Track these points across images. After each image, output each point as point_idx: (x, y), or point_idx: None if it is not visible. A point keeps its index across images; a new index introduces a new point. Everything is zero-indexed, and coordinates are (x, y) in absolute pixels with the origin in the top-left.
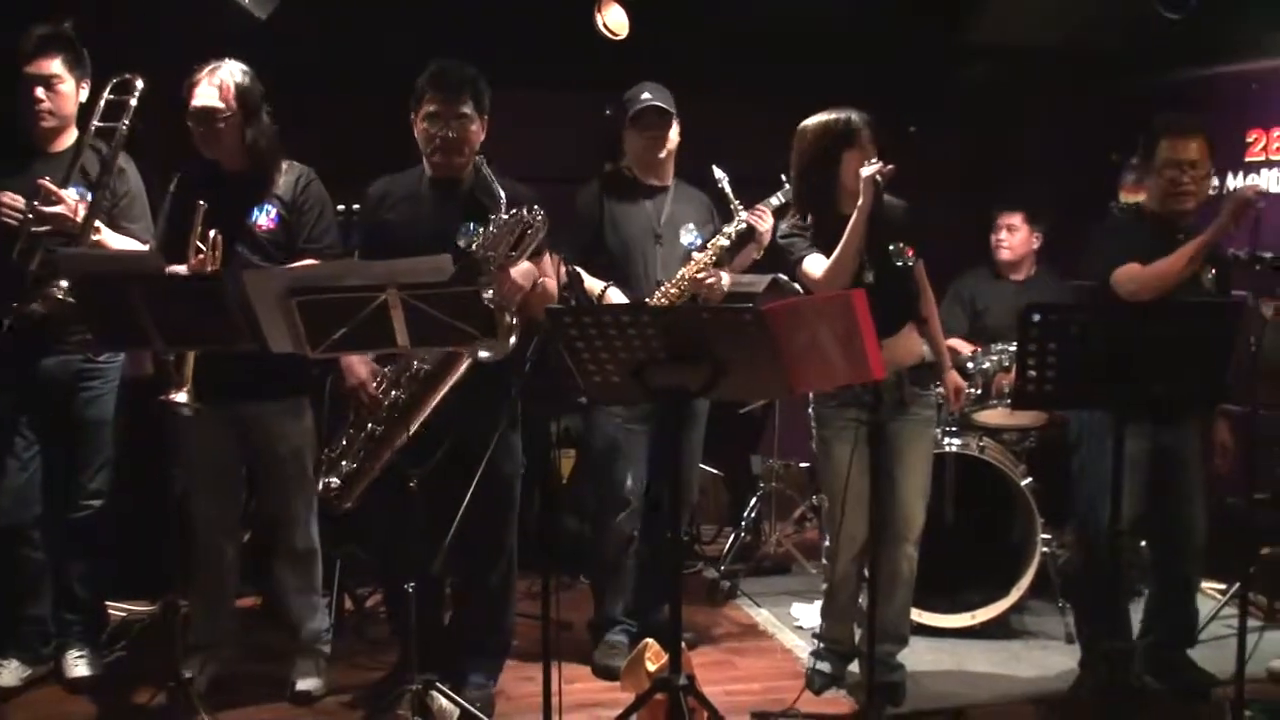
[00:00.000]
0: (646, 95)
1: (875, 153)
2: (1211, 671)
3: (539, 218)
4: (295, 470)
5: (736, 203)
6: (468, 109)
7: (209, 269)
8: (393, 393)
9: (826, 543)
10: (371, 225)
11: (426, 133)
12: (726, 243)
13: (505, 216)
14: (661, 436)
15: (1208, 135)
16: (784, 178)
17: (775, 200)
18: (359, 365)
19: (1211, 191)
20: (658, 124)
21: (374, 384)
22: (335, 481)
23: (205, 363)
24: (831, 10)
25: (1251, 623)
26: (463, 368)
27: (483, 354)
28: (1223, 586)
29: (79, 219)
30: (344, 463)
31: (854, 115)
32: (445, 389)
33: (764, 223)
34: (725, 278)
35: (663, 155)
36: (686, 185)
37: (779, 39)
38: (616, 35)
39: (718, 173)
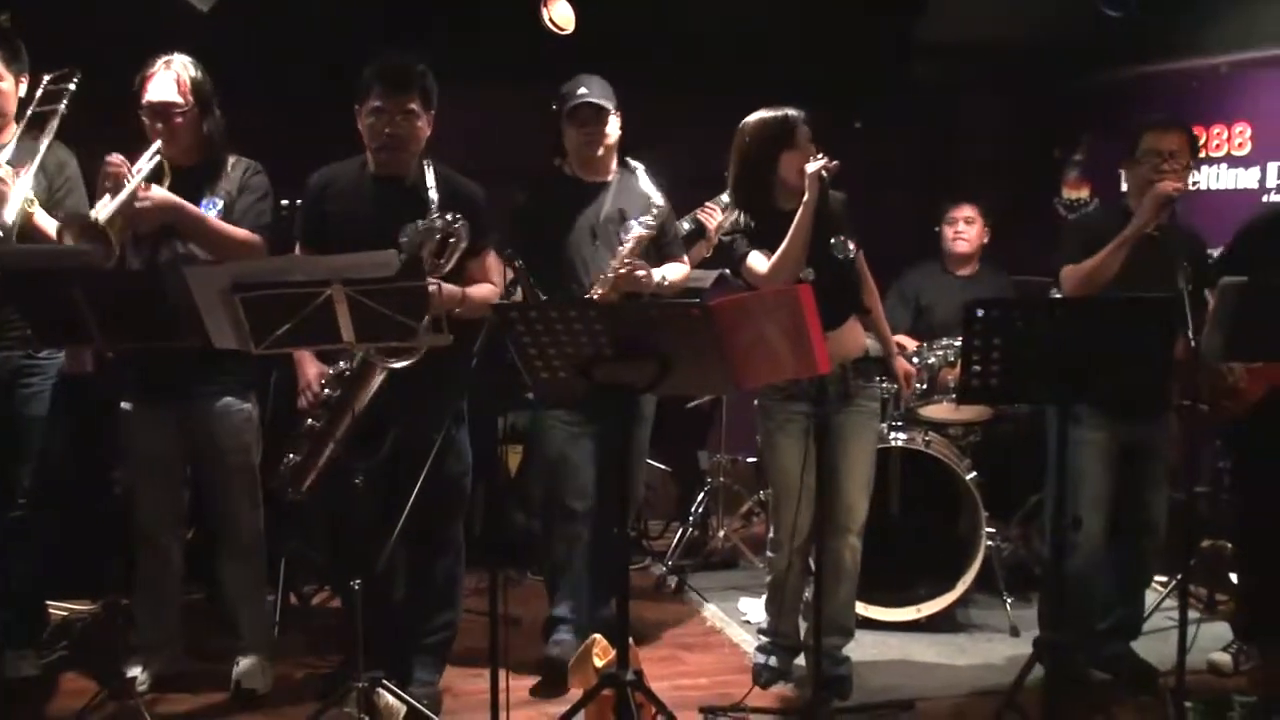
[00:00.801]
0: (582, 90)
1: (814, 149)
2: (1153, 663)
3: (458, 225)
4: (239, 466)
5: (657, 197)
6: (414, 105)
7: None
8: (325, 391)
9: (771, 535)
10: (313, 215)
11: (372, 128)
12: (644, 232)
13: (424, 223)
14: (607, 437)
15: (1190, 131)
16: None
17: (725, 198)
18: (308, 365)
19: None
20: (594, 120)
21: (319, 384)
22: (282, 473)
23: (147, 359)
24: (780, 7)
25: (1191, 614)
26: (379, 376)
27: (393, 364)
28: (1164, 579)
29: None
30: (290, 455)
31: (791, 113)
32: (368, 390)
33: (713, 219)
34: (658, 272)
35: (600, 152)
36: (631, 178)
37: (728, 34)
38: (563, 30)
39: (632, 164)
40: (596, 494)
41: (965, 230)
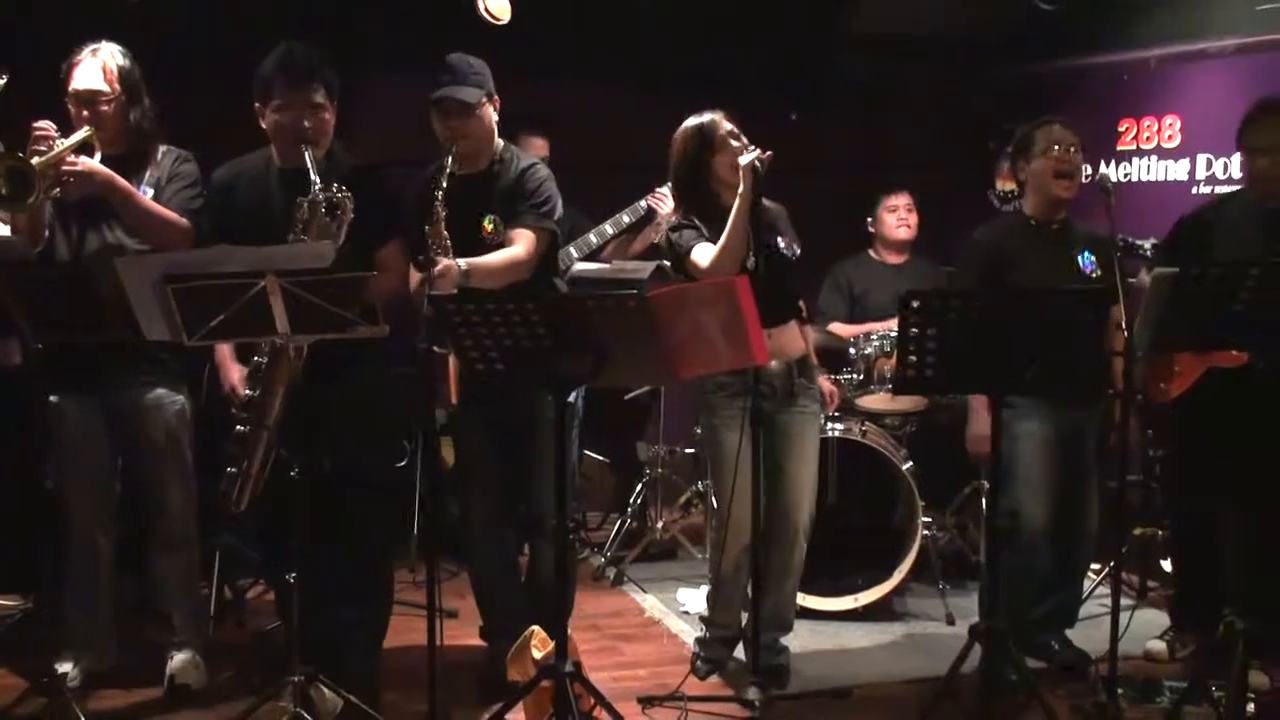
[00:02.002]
0: (446, 80)
1: (744, 143)
2: (1086, 650)
3: (340, 196)
4: (171, 459)
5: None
6: (320, 98)
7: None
8: (245, 392)
9: (712, 532)
10: (220, 211)
11: (279, 125)
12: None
13: (308, 198)
14: (511, 444)
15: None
16: None
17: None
18: (231, 369)
19: (1085, 179)
20: (457, 112)
21: (243, 386)
22: (225, 488)
23: (75, 351)
24: None
25: (1124, 602)
26: (288, 361)
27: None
28: (1097, 567)
29: None
30: (229, 468)
31: (707, 120)
32: (285, 382)
33: (664, 205)
34: (461, 263)
35: (468, 147)
36: (516, 166)
37: (665, 25)
38: (499, 20)
39: (514, 149)
40: (501, 503)
41: (907, 218)
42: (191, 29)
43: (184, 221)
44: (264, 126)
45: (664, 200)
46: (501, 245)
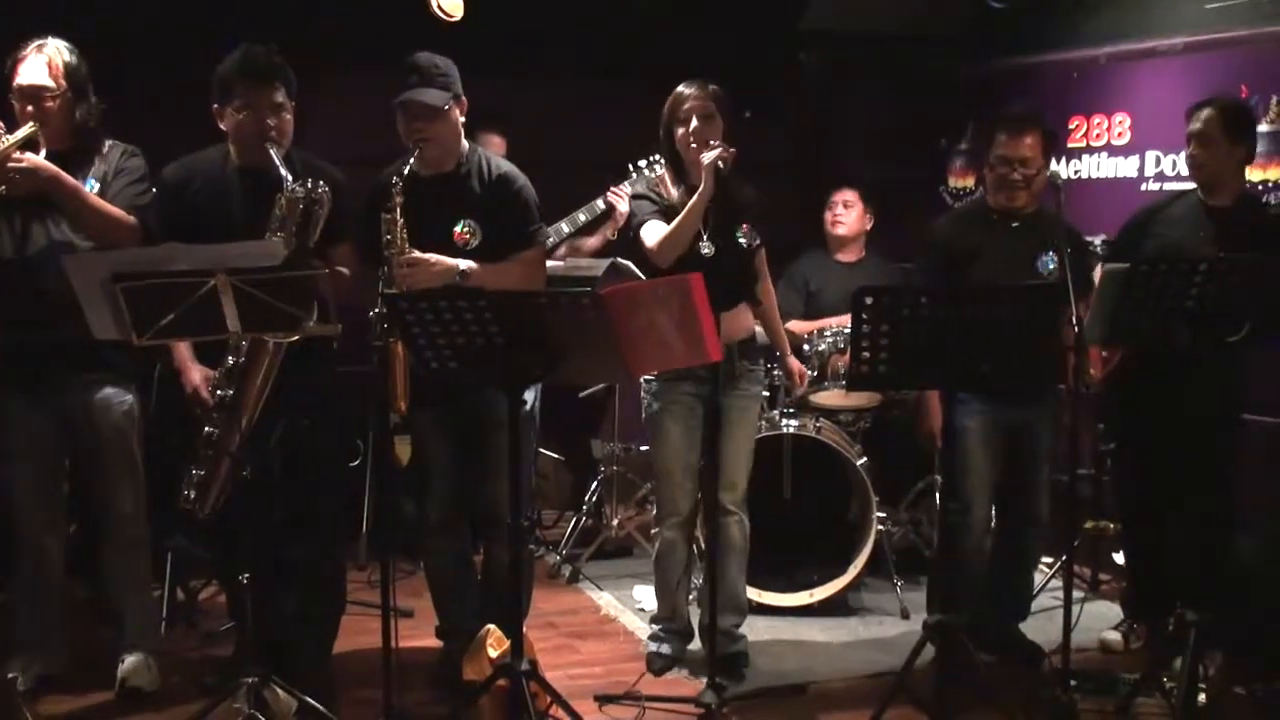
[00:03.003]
0: (413, 82)
1: (717, 130)
2: (1039, 643)
3: (321, 191)
4: (120, 458)
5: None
6: (281, 97)
7: None
8: (218, 392)
9: (654, 513)
10: (174, 211)
11: (241, 126)
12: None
13: (288, 193)
14: (465, 444)
15: (1044, 129)
16: (631, 167)
17: (627, 187)
18: (193, 371)
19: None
20: (423, 115)
21: (207, 388)
22: (190, 493)
23: (23, 351)
24: None
25: (1076, 594)
26: (269, 355)
27: (286, 337)
28: (1049, 560)
29: None
30: (193, 470)
31: (681, 90)
32: (264, 379)
33: (622, 202)
34: (461, 264)
35: (433, 148)
36: (489, 172)
37: (615, 24)
38: (451, 17)
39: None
40: (456, 503)
41: (844, 214)
42: (140, 26)
43: (131, 219)
44: (223, 127)
45: (622, 197)
46: (473, 250)
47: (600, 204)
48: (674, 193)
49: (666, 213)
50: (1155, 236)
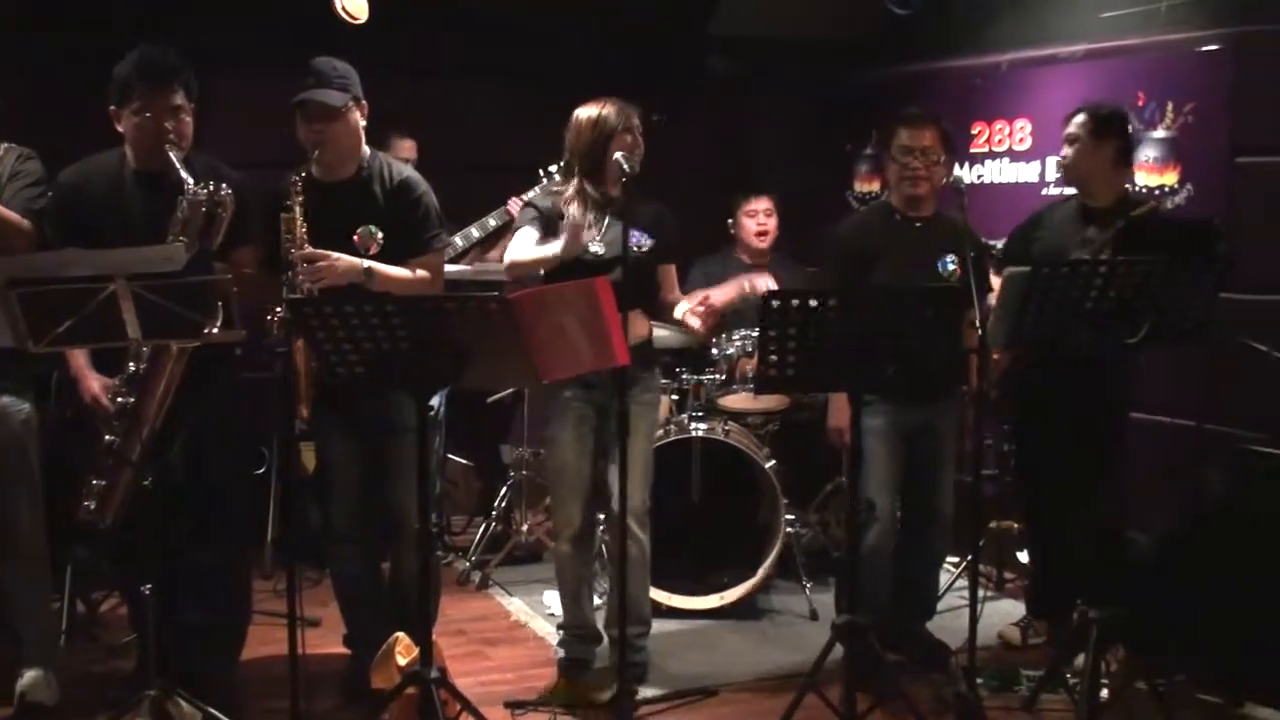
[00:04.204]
0: (310, 82)
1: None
2: (946, 641)
3: (225, 194)
4: (18, 469)
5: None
6: (180, 99)
7: None
8: (119, 399)
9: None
10: (69, 216)
11: (139, 129)
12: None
13: (191, 196)
14: (383, 444)
15: (943, 126)
16: (541, 172)
17: (531, 193)
18: (90, 379)
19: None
20: (321, 116)
21: (106, 396)
22: (91, 504)
23: None
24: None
25: (982, 593)
26: (173, 362)
27: (189, 341)
28: (955, 560)
29: None
30: (94, 480)
31: (613, 110)
32: (167, 386)
33: None
34: (363, 262)
35: (334, 152)
36: (390, 178)
37: (523, 26)
38: (356, 20)
39: (384, 158)
40: (362, 510)
41: (766, 223)
42: (32, 25)
43: (25, 223)
44: (120, 129)
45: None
46: (373, 257)
47: (491, 221)
48: (574, 207)
49: (548, 223)
50: (1038, 240)
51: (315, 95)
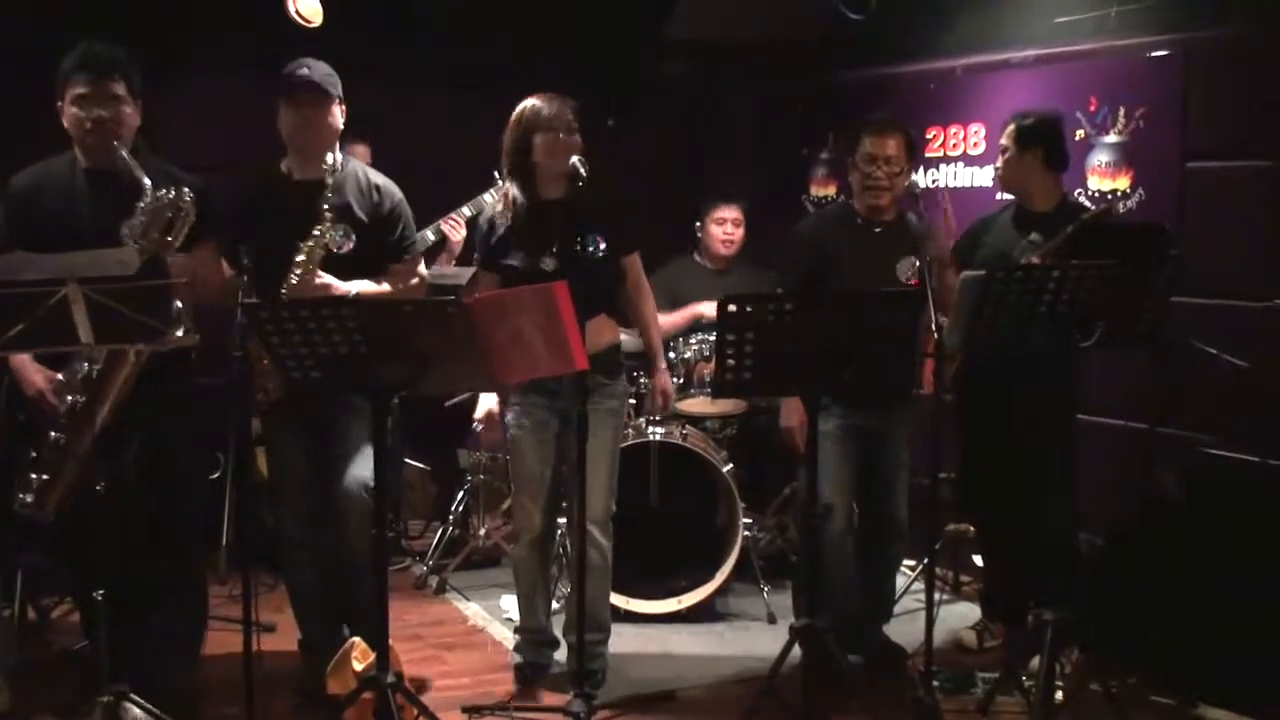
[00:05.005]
0: (304, 71)
1: (576, 145)
2: (902, 644)
3: (186, 199)
4: None
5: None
6: (120, 90)
7: None
8: (69, 398)
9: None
10: (22, 221)
11: (76, 117)
12: (322, 237)
13: (150, 200)
14: (338, 448)
15: (908, 133)
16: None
17: (467, 210)
18: (35, 374)
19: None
20: (309, 101)
21: (51, 392)
22: (28, 498)
23: None
24: (529, 3)
25: (938, 596)
26: (129, 365)
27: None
28: (911, 563)
29: None
30: (33, 475)
31: (536, 103)
32: (119, 388)
33: (456, 233)
34: (352, 285)
35: (315, 141)
36: (361, 182)
37: (478, 31)
38: (310, 23)
39: (355, 162)
40: (316, 514)
41: (734, 233)
42: None
43: None
44: (65, 125)
45: (457, 227)
46: (344, 256)
47: (430, 234)
48: (517, 207)
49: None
50: (984, 245)
51: (312, 75)
